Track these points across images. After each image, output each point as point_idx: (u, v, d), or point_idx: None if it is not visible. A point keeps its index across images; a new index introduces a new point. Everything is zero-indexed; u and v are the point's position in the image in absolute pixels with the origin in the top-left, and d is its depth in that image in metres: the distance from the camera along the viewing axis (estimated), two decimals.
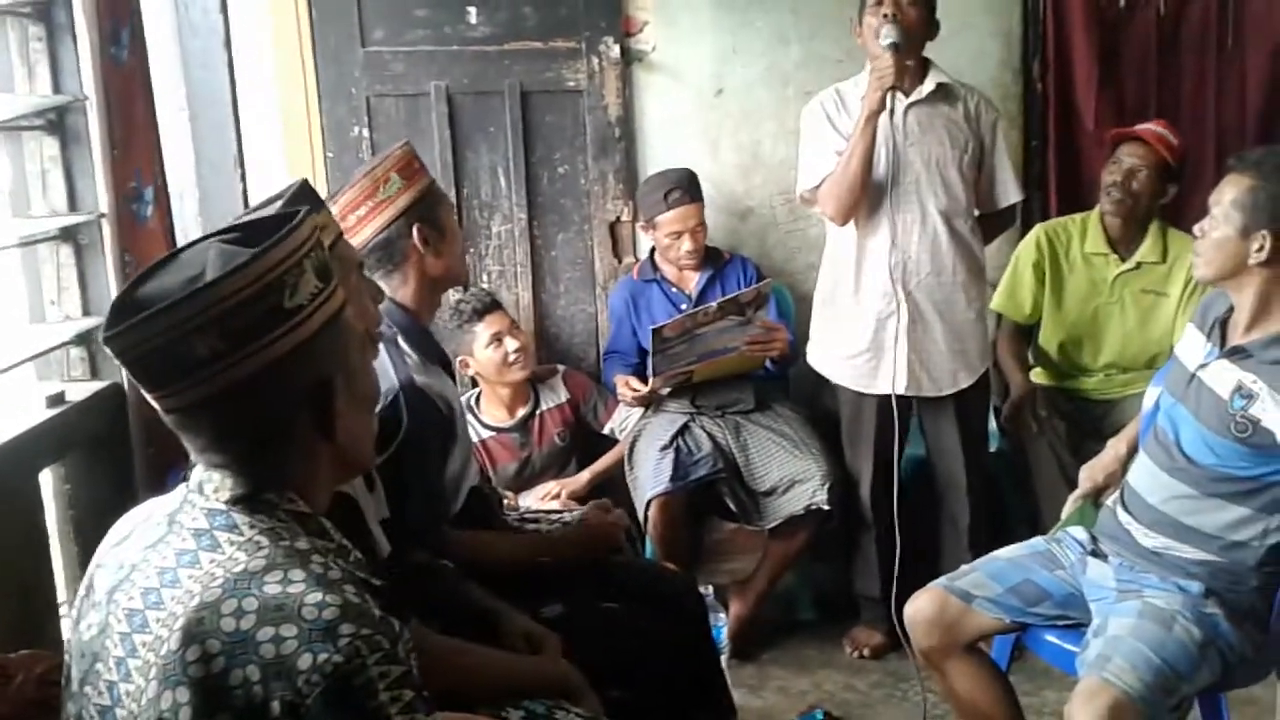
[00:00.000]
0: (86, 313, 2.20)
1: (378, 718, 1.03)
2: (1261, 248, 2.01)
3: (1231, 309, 2.13)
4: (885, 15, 2.69)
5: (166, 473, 2.02)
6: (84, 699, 1.14)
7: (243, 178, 2.71)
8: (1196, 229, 2.12)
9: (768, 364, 3.17)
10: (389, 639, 1.06)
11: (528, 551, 2.21)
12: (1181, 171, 3.09)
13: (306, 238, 1.16)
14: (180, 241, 2.27)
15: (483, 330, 3.06)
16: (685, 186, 3.18)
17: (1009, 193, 2.97)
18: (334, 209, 2.02)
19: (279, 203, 1.66)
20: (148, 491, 2.02)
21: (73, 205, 2.17)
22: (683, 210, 3.15)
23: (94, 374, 2.21)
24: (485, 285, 3.46)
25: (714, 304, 3.01)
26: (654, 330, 2.95)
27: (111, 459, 2.11)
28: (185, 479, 1.20)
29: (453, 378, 2.21)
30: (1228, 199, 2.05)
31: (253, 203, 2.82)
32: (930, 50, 2.92)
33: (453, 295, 3.07)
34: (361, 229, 2.02)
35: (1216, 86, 3.45)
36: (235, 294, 1.08)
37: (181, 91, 2.64)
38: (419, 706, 1.06)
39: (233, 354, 1.09)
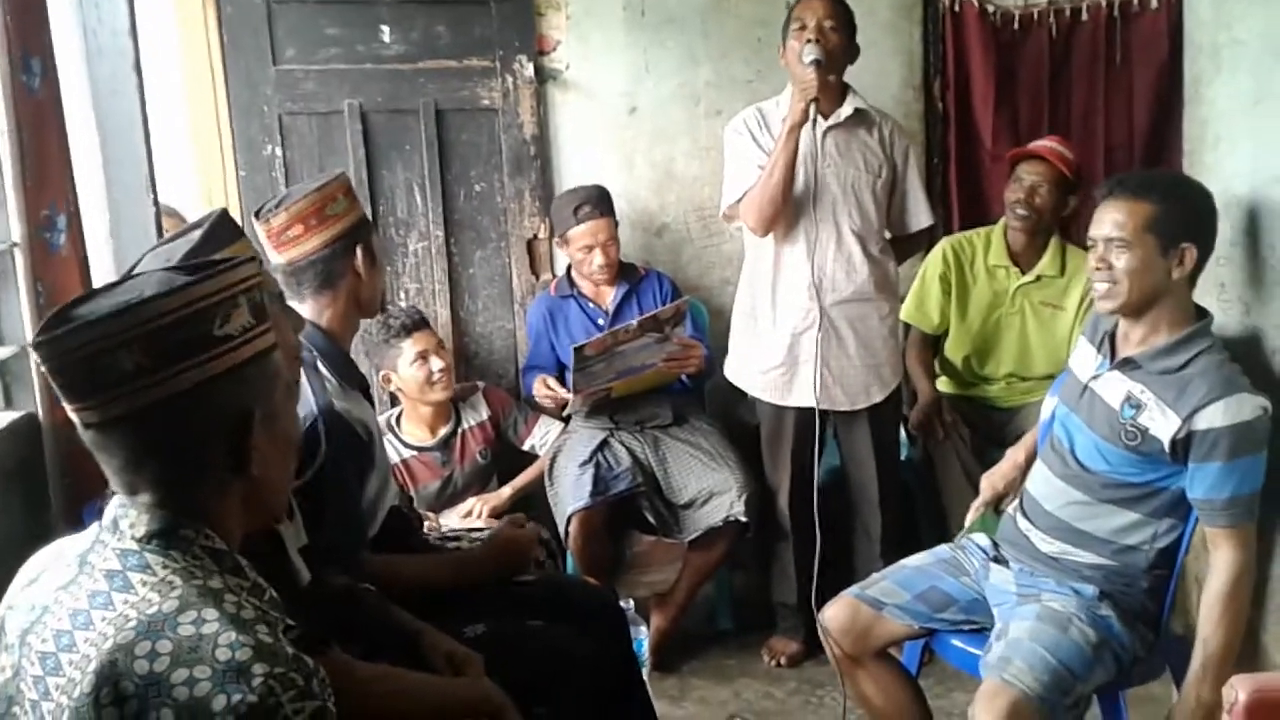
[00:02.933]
0: (0, 342, 2.18)
1: None
2: (1182, 261, 2.11)
3: (1119, 323, 2.24)
4: (809, 39, 2.77)
5: (82, 505, 2.00)
6: None
7: (155, 202, 2.69)
8: (1094, 261, 2.18)
9: (683, 378, 3.24)
10: (303, 675, 1.07)
11: (440, 571, 2.21)
12: (1079, 183, 3.23)
13: (246, 277, 1.20)
14: (94, 269, 2.25)
15: (409, 347, 3.07)
16: (595, 202, 3.23)
17: (920, 218, 3.07)
18: (278, 219, 2.02)
19: (198, 231, 1.67)
20: (63, 524, 2.01)
21: None
22: (592, 225, 3.20)
23: (8, 403, 2.18)
24: (403, 303, 3.47)
25: (634, 322, 3.07)
26: (575, 349, 2.99)
27: (25, 491, 2.08)
28: (101, 513, 1.20)
29: (371, 402, 2.22)
30: (1134, 224, 2.11)
31: (167, 226, 2.83)
32: None
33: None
34: (305, 241, 2.03)
35: (1105, 104, 3.58)
36: (167, 314, 1.11)
37: (91, 116, 2.60)
38: None
39: (157, 371, 1.11)
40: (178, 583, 1.11)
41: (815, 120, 2.80)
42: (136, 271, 1.52)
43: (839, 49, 2.84)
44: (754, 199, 2.86)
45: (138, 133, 2.75)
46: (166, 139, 3.18)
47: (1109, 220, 2.15)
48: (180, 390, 1.12)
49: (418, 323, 3.12)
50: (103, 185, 2.66)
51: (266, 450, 1.21)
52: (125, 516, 1.15)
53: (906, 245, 3.15)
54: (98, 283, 2.13)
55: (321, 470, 1.93)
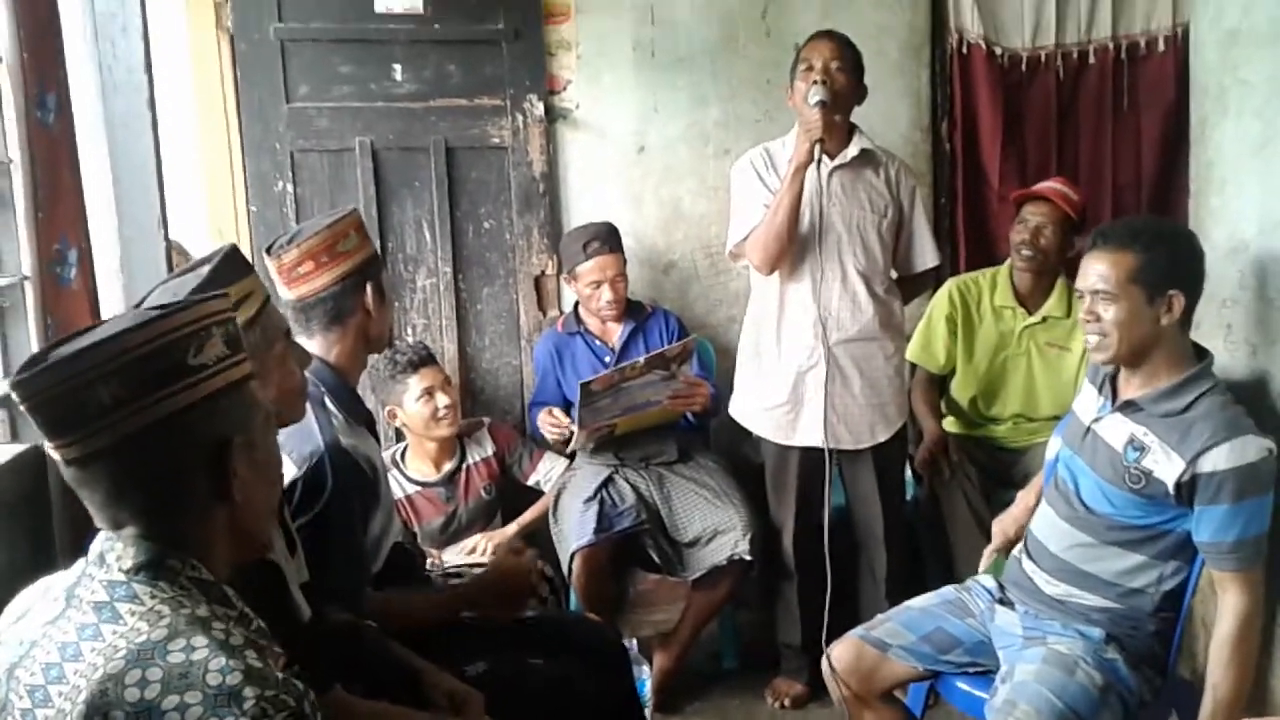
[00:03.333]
0: (7, 375, 2.19)
1: None
2: (1170, 308, 2.11)
3: (1119, 367, 2.24)
4: (815, 80, 2.80)
5: (85, 538, 2.00)
6: None
7: (166, 236, 2.71)
8: (1083, 314, 2.18)
9: (688, 416, 3.23)
10: (294, 698, 1.10)
11: (440, 607, 2.21)
12: (1084, 225, 3.23)
13: (218, 310, 1.23)
14: (104, 304, 2.27)
15: (415, 383, 3.08)
16: (604, 238, 3.25)
17: (926, 258, 3.07)
18: (289, 255, 2.03)
19: (207, 267, 1.68)
20: (67, 557, 2.00)
21: None
22: (601, 260, 3.22)
23: (14, 436, 2.20)
24: (410, 339, 3.48)
25: (641, 359, 3.07)
26: (582, 385, 2.99)
27: (30, 523, 2.08)
28: None
29: (377, 438, 2.23)
30: (1117, 276, 2.11)
31: (176, 259, 2.85)
32: None
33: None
34: (317, 277, 2.04)
35: (1113, 146, 3.60)
36: (139, 346, 1.14)
37: (105, 151, 2.63)
38: None
39: (134, 402, 1.13)
40: (166, 612, 1.12)
41: (820, 160, 2.81)
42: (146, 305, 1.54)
43: (846, 90, 2.86)
44: (759, 238, 2.87)
45: (150, 169, 2.78)
46: (179, 174, 3.21)
47: (1094, 272, 2.16)
48: (158, 419, 1.14)
49: (424, 359, 3.12)
50: (114, 220, 2.69)
51: (247, 476, 1.23)
52: (111, 550, 1.17)
53: (913, 285, 3.15)
54: (107, 317, 2.15)
55: (326, 506, 1.93)
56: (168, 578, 1.16)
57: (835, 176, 2.92)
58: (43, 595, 1.21)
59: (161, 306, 1.22)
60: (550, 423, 3.18)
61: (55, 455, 1.16)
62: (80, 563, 1.20)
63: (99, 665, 1.08)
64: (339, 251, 2.06)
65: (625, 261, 3.31)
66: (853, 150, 2.93)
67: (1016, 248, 3.23)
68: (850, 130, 2.95)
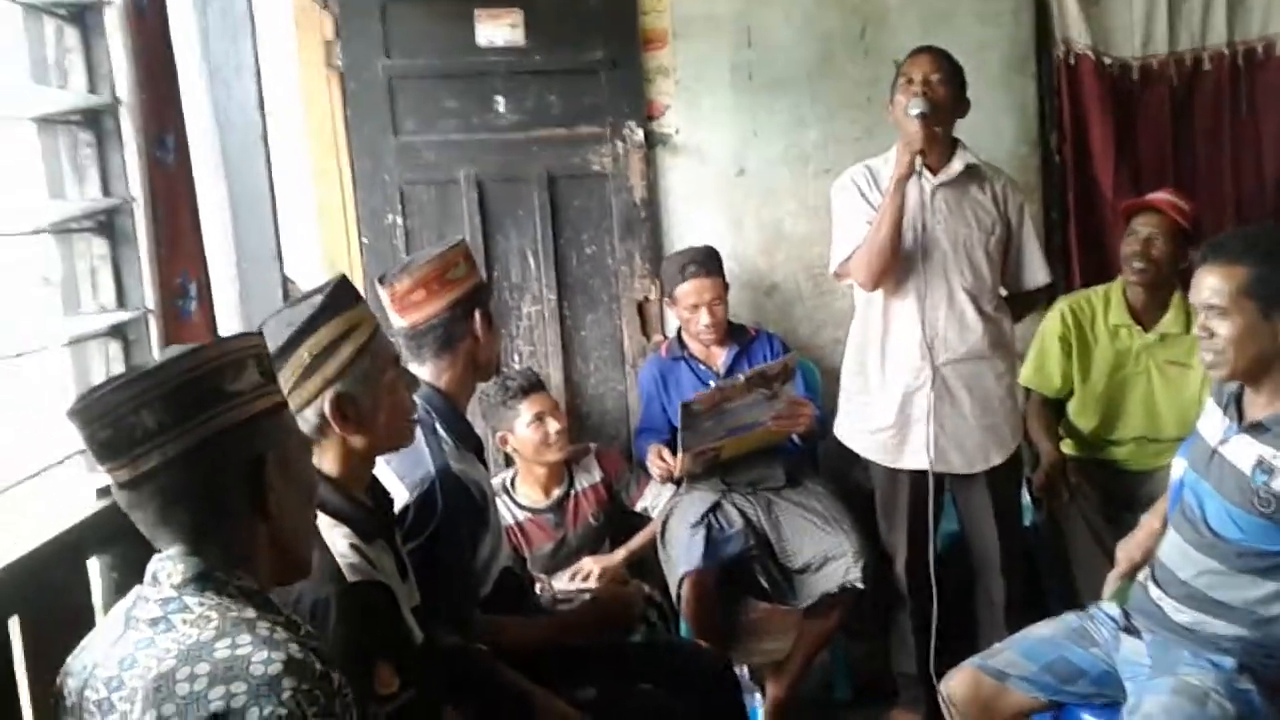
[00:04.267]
0: None
1: None
2: None
3: (1243, 386, 2.15)
4: (915, 93, 2.76)
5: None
6: None
7: (281, 269, 2.79)
8: (1198, 330, 2.11)
9: (794, 439, 3.19)
10: (325, 695, 1.16)
11: (543, 632, 2.22)
12: (1197, 234, 3.12)
13: (253, 344, 1.34)
14: (222, 333, 2.34)
15: (526, 409, 3.10)
16: (702, 260, 3.25)
17: (1036, 275, 2.99)
18: (402, 284, 2.08)
19: (320, 296, 1.73)
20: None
21: (121, 302, 2.24)
22: (698, 283, 3.21)
23: None
24: (517, 365, 3.52)
25: (741, 377, 3.05)
26: (684, 405, 2.98)
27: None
28: None
29: (485, 464, 2.25)
30: (1230, 290, 2.04)
31: (292, 291, 2.93)
32: None
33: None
34: (427, 305, 2.09)
35: (1233, 154, 3.49)
36: (180, 374, 1.24)
37: (222, 187, 2.73)
38: None
39: (176, 426, 1.22)
40: (214, 616, 1.21)
41: (923, 175, 2.76)
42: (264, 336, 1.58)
43: (946, 102, 2.81)
44: (862, 254, 2.83)
45: (265, 204, 2.88)
46: (293, 210, 3.31)
47: (1206, 286, 2.08)
48: (199, 440, 1.23)
49: (534, 384, 3.15)
50: (233, 254, 2.79)
51: (283, 492, 1.31)
52: (162, 569, 1.25)
53: (1023, 303, 3.07)
54: None
55: (437, 531, 1.95)
56: (215, 588, 1.24)
57: (939, 193, 2.86)
58: (102, 625, 1.31)
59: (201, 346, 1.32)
60: (658, 464, 3.15)
61: (109, 478, 1.25)
62: (135, 589, 1.28)
63: (153, 667, 1.17)
64: (449, 280, 2.09)
65: (726, 285, 3.29)
66: (957, 166, 2.87)
67: (1127, 260, 3.14)
68: (953, 146, 2.90)
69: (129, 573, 2.10)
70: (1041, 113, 3.61)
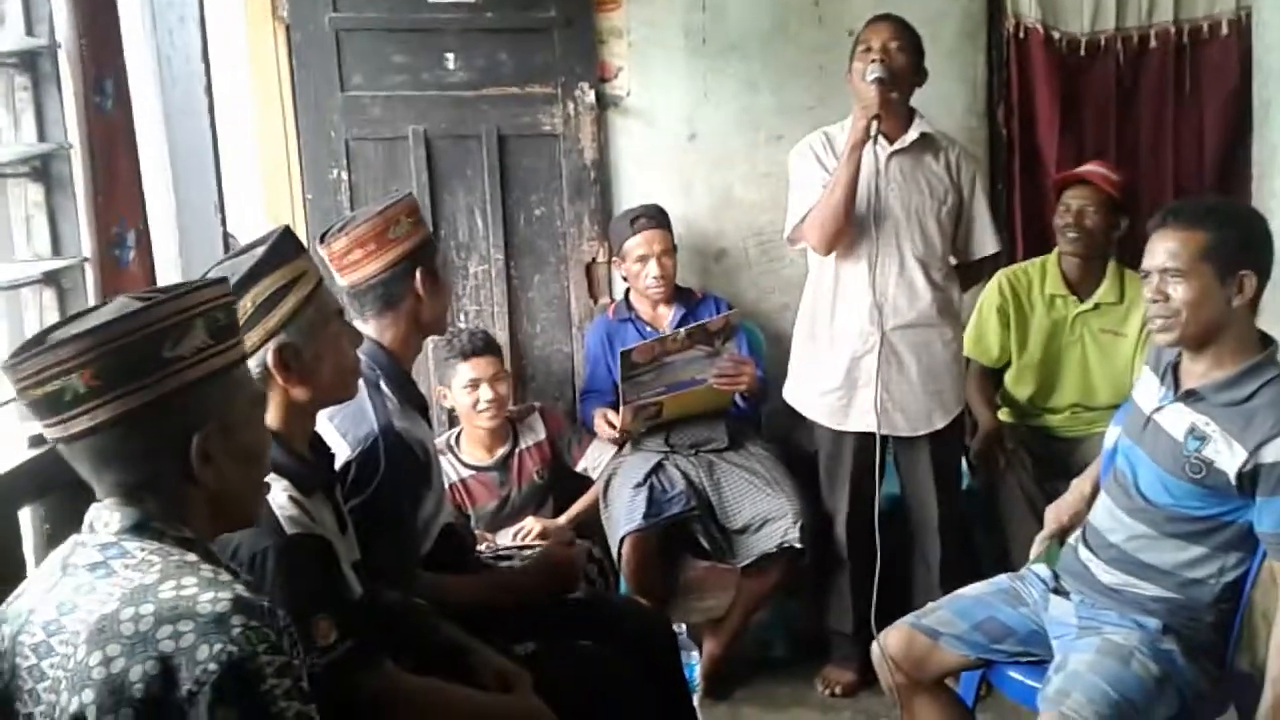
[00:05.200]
0: None
1: (266, 701, 1.13)
2: (1241, 289, 2.06)
3: (1182, 354, 2.19)
4: (873, 59, 2.78)
5: None
6: None
7: (223, 222, 2.75)
8: (1149, 293, 2.13)
9: (738, 400, 3.21)
10: (274, 631, 1.15)
11: (487, 591, 2.22)
12: (1128, 204, 3.18)
13: (205, 299, 1.27)
14: (159, 283, 2.31)
15: (464, 371, 3.10)
16: (652, 214, 3.27)
17: (986, 245, 3.03)
18: (339, 243, 2.06)
19: (262, 248, 1.71)
20: None
21: (56, 250, 2.20)
22: (648, 234, 3.22)
23: None
24: (463, 324, 3.51)
25: (682, 330, 3.06)
26: (623, 353, 2.98)
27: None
28: None
29: (429, 423, 2.24)
30: (1189, 254, 2.06)
31: (232, 245, 2.89)
32: None
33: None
34: (367, 264, 2.06)
35: (1174, 132, 3.53)
36: (117, 339, 1.20)
37: (163, 137, 2.67)
38: (297, 695, 1.15)
39: (107, 393, 1.19)
40: (156, 561, 1.20)
41: (878, 141, 2.78)
42: None
43: (904, 69, 2.83)
44: (816, 216, 2.85)
45: (207, 155, 2.83)
46: (236, 163, 3.26)
47: (1162, 250, 2.10)
48: (129, 410, 1.20)
49: (480, 349, 3.13)
50: (173, 205, 2.74)
51: (223, 462, 1.28)
52: (99, 518, 1.24)
53: (972, 272, 3.12)
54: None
55: (379, 489, 1.95)
56: (154, 536, 1.23)
57: (894, 161, 2.89)
58: (38, 572, 1.29)
59: (146, 295, 1.28)
60: (605, 427, 3.16)
61: (54, 434, 1.22)
62: (72, 538, 1.27)
63: (94, 610, 1.15)
64: (389, 239, 2.07)
65: (674, 243, 3.29)
66: (912, 134, 2.89)
67: (1061, 231, 3.20)
68: (910, 115, 2.92)
69: (62, 524, 2.08)
70: (990, 85, 3.63)
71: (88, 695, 1.10)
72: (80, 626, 1.15)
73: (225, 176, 2.96)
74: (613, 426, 3.14)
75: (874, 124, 2.74)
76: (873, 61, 2.77)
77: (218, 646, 1.10)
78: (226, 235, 2.80)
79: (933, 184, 2.91)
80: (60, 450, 1.24)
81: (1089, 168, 3.20)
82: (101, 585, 1.18)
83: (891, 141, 2.87)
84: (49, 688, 1.16)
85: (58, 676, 1.15)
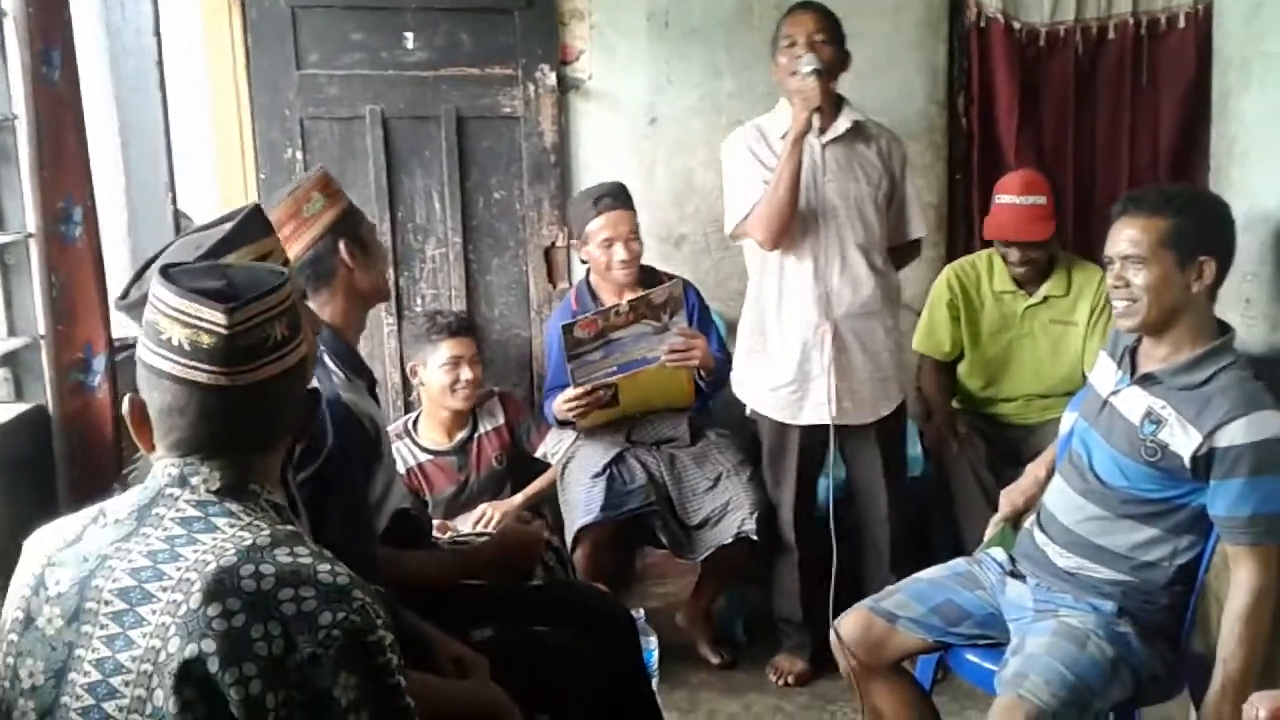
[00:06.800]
0: (12, 333, 2.17)
1: (384, 673, 1.18)
2: (1201, 274, 2.08)
3: (1140, 339, 2.21)
4: (803, 52, 2.78)
5: (90, 497, 1.99)
6: (61, 686, 1.19)
7: (174, 200, 2.70)
8: (1111, 280, 2.15)
9: (699, 381, 3.16)
10: (385, 609, 1.21)
11: (445, 567, 2.19)
12: (1059, 209, 3.20)
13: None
14: (109, 264, 2.25)
15: (446, 349, 3.08)
16: (615, 194, 3.15)
17: (916, 227, 3.05)
18: None
19: (229, 224, 1.69)
20: (70, 512, 2.00)
21: (0, 225, 2.14)
22: (613, 215, 3.10)
23: (18, 395, 2.18)
24: (419, 308, 3.47)
25: (625, 303, 2.98)
26: (564, 327, 2.91)
27: (34, 481, 2.07)
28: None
29: (376, 399, 2.21)
30: (1150, 240, 2.08)
31: (184, 224, 2.84)
32: (857, 84, 3.01)
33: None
34: (290, 247, 2.02)
35: (1131, 122, 3.56)
36: (292, 292, 1.31)
37: (114, 113, 2.62)
38: (402, 673, 1.21)
39: (292, 340, 1.28)
40: (264, 525, 1.23)
41: (810, 134, 2.79)
42: (168, 258, 1.55)
43: (832, 60, 2.83)
44: (761, 214, 2.84)
45: (158, 131, 2.77)
46: (189, 141, 3.21)
47: (1124, 238, 2.12)
48: (295, 362, 1.29)
49: (462, 328, 3.13)
50: (122, 182, 2.68)
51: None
52: (196, 474, 1.25)
53: (903, 254, 3.12)
54: (113, 279, 2.14)
55: (326, 462, 1.91)
56: (251, 499, 1.26)
57: (829, 151, 2.89)
58: (93, 521, 1.27)
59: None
60: (564, 407, 3.04)
61: (220, 382, 1.23)
62: (138, 489, 1.26)
63: (210, 560, 1.17)
64: (305, 216, 2.03)
65: (636, 221, 3.20)
66: (844, 123, 2.90)
67: (1009, 264, 3.22)
68: (839, 103, 2.92)
69: (4, 505, 2.03)
70: (951, 74, 3.64)
71: (208, 645, 1.12)
72: (193, 575, 1.16)
73: (177, 154, 2.90)
74: (570, 402, 3.01)
75: (815, 116, 2.74)
76: (806, 51, 2.77)
77: (340, 614, 1.15)
78: (178, 213, 2.75)
79: (868, 171, 2.92)
80: (203, 402, 1.23)
81: (1011, 203, 3.17)
82: (206, 539, 1.20)
83: (824, 132, 2.87)
84: (150, 633, 1.16)
85: (163, 623, 1.15)
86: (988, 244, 3.42)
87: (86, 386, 2.11)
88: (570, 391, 2.99)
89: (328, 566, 1.18)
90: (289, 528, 1.25)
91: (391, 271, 3.46)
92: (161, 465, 1.26)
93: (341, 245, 2.05)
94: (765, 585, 3.17)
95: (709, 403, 3.32)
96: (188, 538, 1.20)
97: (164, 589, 1.17)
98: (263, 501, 1.26)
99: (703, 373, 3.12)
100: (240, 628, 1.12)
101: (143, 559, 1.19)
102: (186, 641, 1.12)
